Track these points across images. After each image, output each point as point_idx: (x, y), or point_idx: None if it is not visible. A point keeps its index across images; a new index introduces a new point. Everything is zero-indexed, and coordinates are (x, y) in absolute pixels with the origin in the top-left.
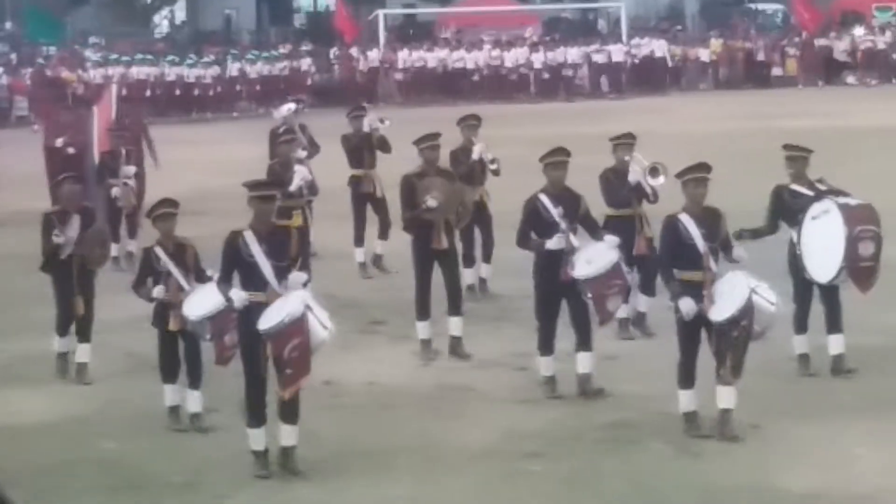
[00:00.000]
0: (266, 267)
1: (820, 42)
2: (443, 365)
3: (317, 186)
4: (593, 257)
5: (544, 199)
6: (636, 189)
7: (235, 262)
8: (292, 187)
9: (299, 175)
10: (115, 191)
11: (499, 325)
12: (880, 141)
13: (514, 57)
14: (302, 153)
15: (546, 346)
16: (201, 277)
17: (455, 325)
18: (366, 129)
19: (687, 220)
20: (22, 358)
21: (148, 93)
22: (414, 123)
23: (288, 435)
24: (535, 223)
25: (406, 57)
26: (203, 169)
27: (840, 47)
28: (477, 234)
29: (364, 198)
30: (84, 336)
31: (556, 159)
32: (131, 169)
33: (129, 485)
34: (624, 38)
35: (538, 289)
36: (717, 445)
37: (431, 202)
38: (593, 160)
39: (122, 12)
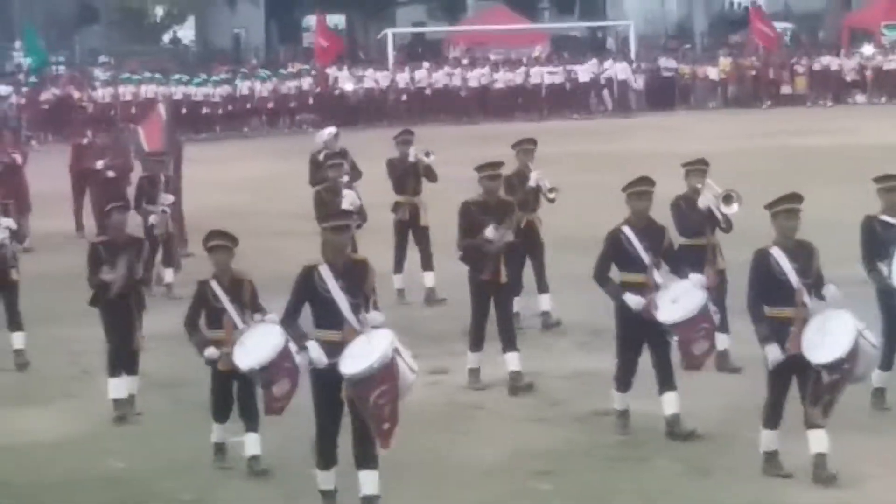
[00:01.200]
0: (343, 303)
1: (828, 60)
2: (453, 382)
3: (366, 212)
4: (679, 297)
5: (628, 231)
6: (709, 217)
7: (308, 299)
8: None
9: (348, 200)
10: (152, 218)
11: None
12: (890, 158)
13: (521, 75)
14: (344, 178)
15: (624, 383)
16: (259, 314)
17: (512, 360)
18: (411, 158)
19: (779, 255)
20: (33, 376)
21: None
22: (423, 142)
23: (369, 483)
24: (616, 257)
25: (413, 76)
26: (216, 187)
27: (849, 66)
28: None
29: (406, 225)
30: (131, 369)
31: (641, 189)
32: (169, 197)
33: (137, 503)
34: (633, 55)
35: (620, 328)
36: (726, 463)
37: (490, 234)
38: (603, 179)
39: (131, 31)
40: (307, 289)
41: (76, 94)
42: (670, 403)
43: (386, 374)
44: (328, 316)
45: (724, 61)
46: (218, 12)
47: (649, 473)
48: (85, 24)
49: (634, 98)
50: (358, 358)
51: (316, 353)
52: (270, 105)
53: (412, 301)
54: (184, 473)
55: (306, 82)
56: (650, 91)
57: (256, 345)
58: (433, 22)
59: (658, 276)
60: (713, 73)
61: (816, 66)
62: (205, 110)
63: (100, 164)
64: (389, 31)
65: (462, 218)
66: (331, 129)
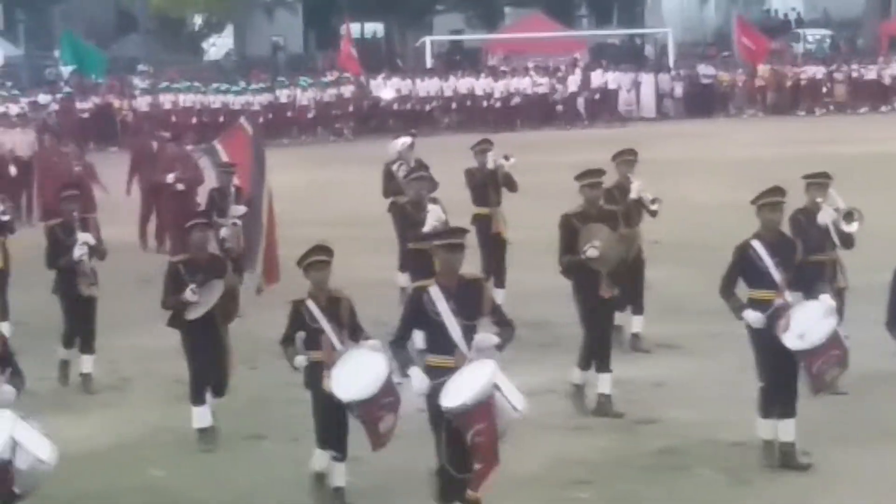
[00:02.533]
0: (454, 327)
1: (869, 68)
2: None
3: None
4: (808, 321)
5: (758, 246)
6: (827, 233)
7: (418, 321)
8: (426, 228)
9: (433, 215)
10: (223, 231)
11: (546, 352)
12: None
13: (577, 82)
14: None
15: (768, 409)
16: (356, 334)
17: (604, 382)
18: (490, 165)
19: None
20: (71, 386)
21: (194, 120)
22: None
23: None
24: (745, 271)
25: (453, 84)
26: None
27: (889, 73)
28: None
29: (487, 238)
30: (220, 391)
31: (773, 200)
32: (240, 208)
33: None
34: (671, 63)
35: (759, 352)
36: (766, 473)
37: (592, 252)
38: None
39: (169, 40)
40: (417, 311)
41: (116, 103)
42: (787, 431)
43: (482, 411)
44: (439, 340)
45: (763, 69)
46: (256, 21)
47: (689, 482)
48: (123, 33)
49: (672, 105)
50: (456, 391)
51: (418, 381)
52: (311, 114)
53: None
54: (222, 482)
55: (348, 90)
56: (689, 98)
57: (357, 374)
58: (471, 30)
59: (789, 294)
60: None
61: (855, 75)
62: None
63: (170, 177)
64: (427, 39)
65: (563, 231)
66: (405, 139)
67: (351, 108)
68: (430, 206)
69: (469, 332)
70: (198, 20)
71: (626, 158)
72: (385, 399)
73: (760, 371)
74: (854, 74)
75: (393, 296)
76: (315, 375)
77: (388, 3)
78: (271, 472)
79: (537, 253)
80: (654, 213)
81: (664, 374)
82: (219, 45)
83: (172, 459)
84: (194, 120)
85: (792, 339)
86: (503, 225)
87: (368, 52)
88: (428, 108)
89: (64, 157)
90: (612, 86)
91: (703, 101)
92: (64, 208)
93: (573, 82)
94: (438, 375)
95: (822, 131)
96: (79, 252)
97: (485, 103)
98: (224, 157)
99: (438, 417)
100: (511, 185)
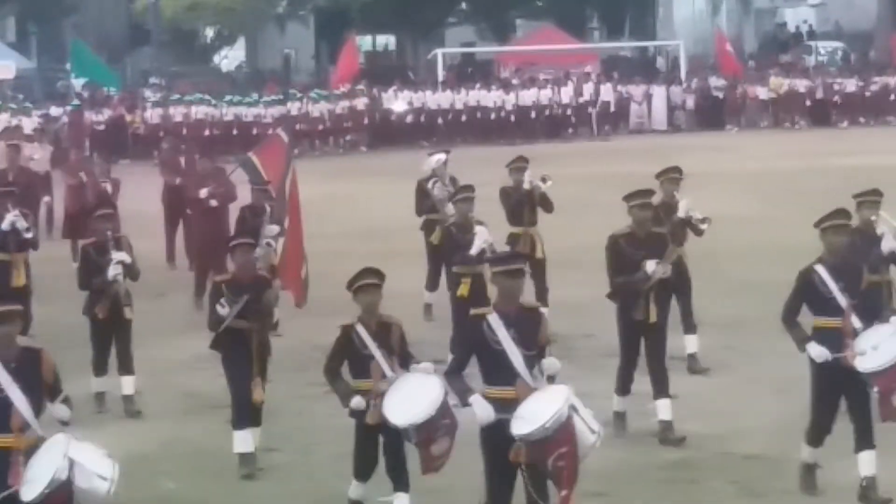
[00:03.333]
0: (515, 355)
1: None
2: None
3: (496, 250)
4: (879, 343)
5: (822, 271)
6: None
7: (476, 351)
8: (473, 250)
9: (480, 237)
10: (257, 251)
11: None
12: None
13: (569, 94)
14: (452, 208)
15: (817, 439)
16: (406, 362)
17: (664, 408)
18: (526, 185)
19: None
20: (84, 398)
21: (206, 132)
22: (476, 163)
23: None
24: (808, 298)
25: (465, 97)
26: None
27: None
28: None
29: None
30: (256, 420)
31: (839, 223)
32: (275, 228)
33: None
34: (683, 75)
35: (815, 378)
36: (780, 485)
37: (652, 269)
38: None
39: (181, 52)
40: (475, 340)
41: (128, 116)
42: (867, 464)
43: (563, 434)
44: (499, 370)
45: (775, 81)
46: (268, 33)
47: (702, 495)
48: (136, 45)
49: (684, 118)
50: (530, 417)
51: (482, 409)
52: (321, 126)
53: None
54: (236, 495)
55: (360, 102)
56: (700, 110)
57: (412, 399)
58: (482, 42)
59: (857, 321)
60: (763, 92)
61: (873, 86)
62: (255, 131)
63: (203, 192)
64: (439, 52)
65: (611, 253)
66: (439, 156)
67: (365, 121)
68: (477, 228)
69: (529, 362)
70: (210, 33)
71: (672, 176)
72: (443, 421)
73: (815, 405)
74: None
75: (409, 308)
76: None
77: (400, 16)
78: (283, 484)
79: (553, 266)
80: (700, 233)
81: (678, 386)
82: (231, 58)
83: (184, 472)
84: (206, 132)
85: (863, 359)
86: (538, 244)
87: (380, 64)
88: (440, 120)
89: (90, 173)
90: (605, 98)
91: (714, 114)
92: (97, 227)
93: (584, 93)
94: (497, 408)
95: (835, 143)
96: (113, 272)
97: (495, 115)
98: (261, 171)
99: (494, 453)
100: (547, 206)
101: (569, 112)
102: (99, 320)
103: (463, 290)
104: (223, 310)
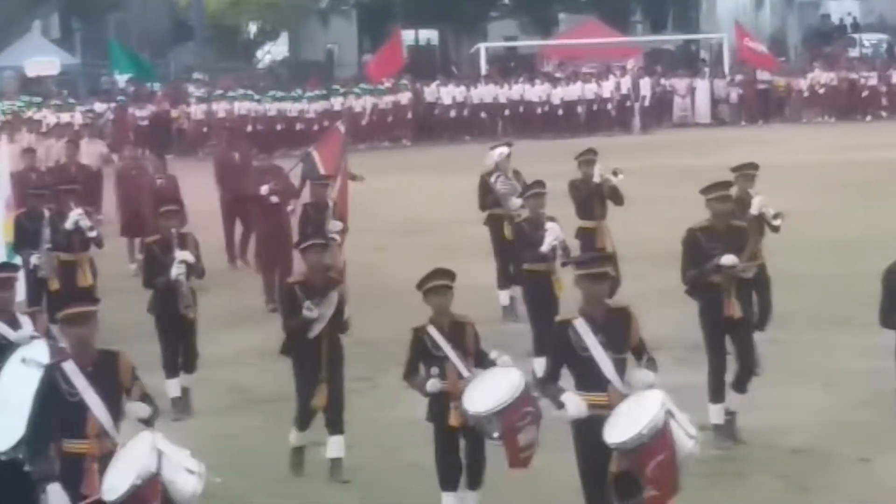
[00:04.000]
0: (605, 361)
1: None
2: None
3: (569, 247)
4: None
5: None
6: None
7: (565, 358)
8: (544, 248)
9: (552, 234)
10: None
11: None
12: None
13: (611, 87)
14: (517, 201)
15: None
16: (482, 361)
17: (736, 401)
18: (596, 179)
19: None
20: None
21: (249, 128)
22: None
23: None
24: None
25: (508, 91)
26: None
27: None
28: None
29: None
30: (336, 428)
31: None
32: (338, 224)
33: None
34: (726, 68)
35: None
36: (825, 480)
37: (729, 262)
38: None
39: (224, 48)
40: (563, 347)
41: (172, 112)
42: None
43: (659, 442)
44: (589, 377)
45: (820, 74)
46: (311, 28)
47: (747, 489)
48: (179, 41)
49: (728, 111)
50: (625, 424)
51: (573, 404)
52: (365, 121)
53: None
54: (281, 489)
55: (405, 97)
56: (745, 103)
57: (491, 388)
58: (525, 36)
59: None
60: (807, 85)
61: None
62: (299, 126)
63: (264, 189)
64: (482, 46)
65: (688, 247)
66: (502, 150)
67: (410, 115)
68: (549, 224)
69: (620, 366)
70: (252, 28)
71: (747, 172)
72: (525, 408)
73: None
74: None
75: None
76: (439, 408)
77: (443, 10)
78: (329, 478)
79: None
80: (776, 229)
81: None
82: (273, 53)
83: (230, 467)
84: (249, 128)
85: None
86: (608, 238)
87: (423, 59)
88: (483, 114)
89: (145, 170)
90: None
91: (758, 107)
92: (162, 225)
93: (625, 87)
94: (591, 416)
95: (883, 136)
96: (176, 270)
97: (540, 110)
98: (320, 167)
99: (588, 453)
100: (617, 199)
101: (610, 106)
102: (164, 319)
103: (558, 287)
104: (311, 312)
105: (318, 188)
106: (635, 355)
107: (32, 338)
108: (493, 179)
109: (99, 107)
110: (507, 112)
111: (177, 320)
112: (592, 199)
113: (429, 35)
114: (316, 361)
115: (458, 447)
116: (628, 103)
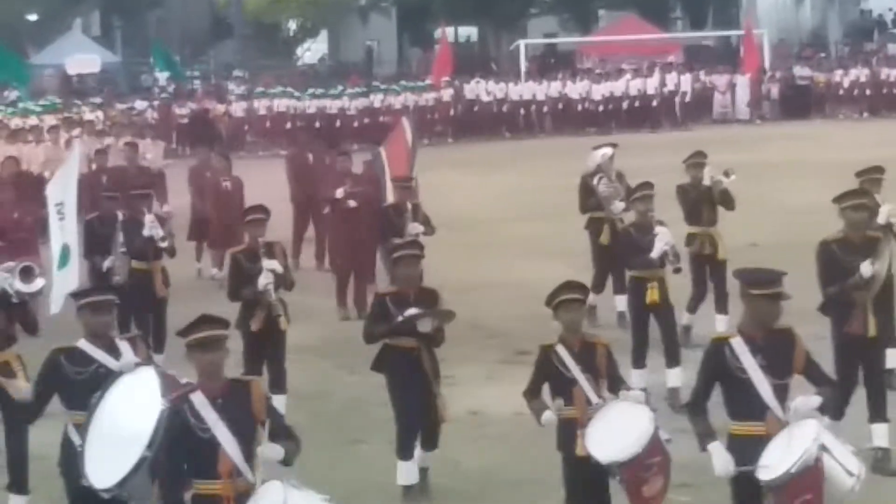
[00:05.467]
0: (763, 385)
1: None
2: None
3: (678, 253)
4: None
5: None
6: None
7: (719, 379)
8: (654, 253)
9: (662, 239)
10: None
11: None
12: None
13: (654, 84)
14: (620, 205)
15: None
16: (615, 386)
17: (880, 433)
18: (706, 181)
19: None
20: None
21: (288, 125)
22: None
23: None
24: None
25: (547, 87)
26: None
27: None
28: None
29: (703, 260)
30: (431, 443)
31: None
32: (418, 227)
33: None
34: (767, 64)
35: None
36: (869, 475)
37: (867, 271)
38: (747, 188)
39: (264, 45)
40: (716, 368)
41: (219, 107)
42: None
43: (809, 479)
44: (745, 402)
45: (860, 69)
46: (350, 25)
47: None
48: (219, 39)
49: (768, 107)
50: (777, 460)
51: (720, 460)
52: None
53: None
54: (321, 487)
55: (446, 93)
56: (785, 100)
57: (617, 431)
58: (565, 33)
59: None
60: (848, 81)
61: None
62: (339, 123)
63: (339, 192)
64: (521, 43)
65: (822, 261)
66: (605, 150)
67: (452, 112)
68: (658, 229)
69: (781, 393)
70: (292, 25)
71: (874, 177)
72: (650, 459)
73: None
74: None
75: (495, 299)
76: (567, 435)
77: (483, 7)
78: (370, 476)
79: None
80: None
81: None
82: (313, 50)
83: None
84: (288, 125)
85: None
86: (719, 245)
87: (462, 55)
88: (523, 111)
89: (214, 172)
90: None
91: (799, 103)
92: (249, 233)
93: (671, 83)
94: (744, 446)
95: None
96: (264, 281)
97: (580, 107)
98: (386, 165)
99: (745, 496)
100: (728, 203)
101: (654, 103)
102: (252, 334)
103: (652, 295)
104: (412, 310)
105: (402, 190)
106: (807, 378)
107: (137, 365)
108: (595, 181)
109: (140, 104)
110: (545, 109)
111: (266, 335)
112: (701, 203)
113: (468, 32)
114: (418, 382)
115: (587, 479)
116: (676, 100)
